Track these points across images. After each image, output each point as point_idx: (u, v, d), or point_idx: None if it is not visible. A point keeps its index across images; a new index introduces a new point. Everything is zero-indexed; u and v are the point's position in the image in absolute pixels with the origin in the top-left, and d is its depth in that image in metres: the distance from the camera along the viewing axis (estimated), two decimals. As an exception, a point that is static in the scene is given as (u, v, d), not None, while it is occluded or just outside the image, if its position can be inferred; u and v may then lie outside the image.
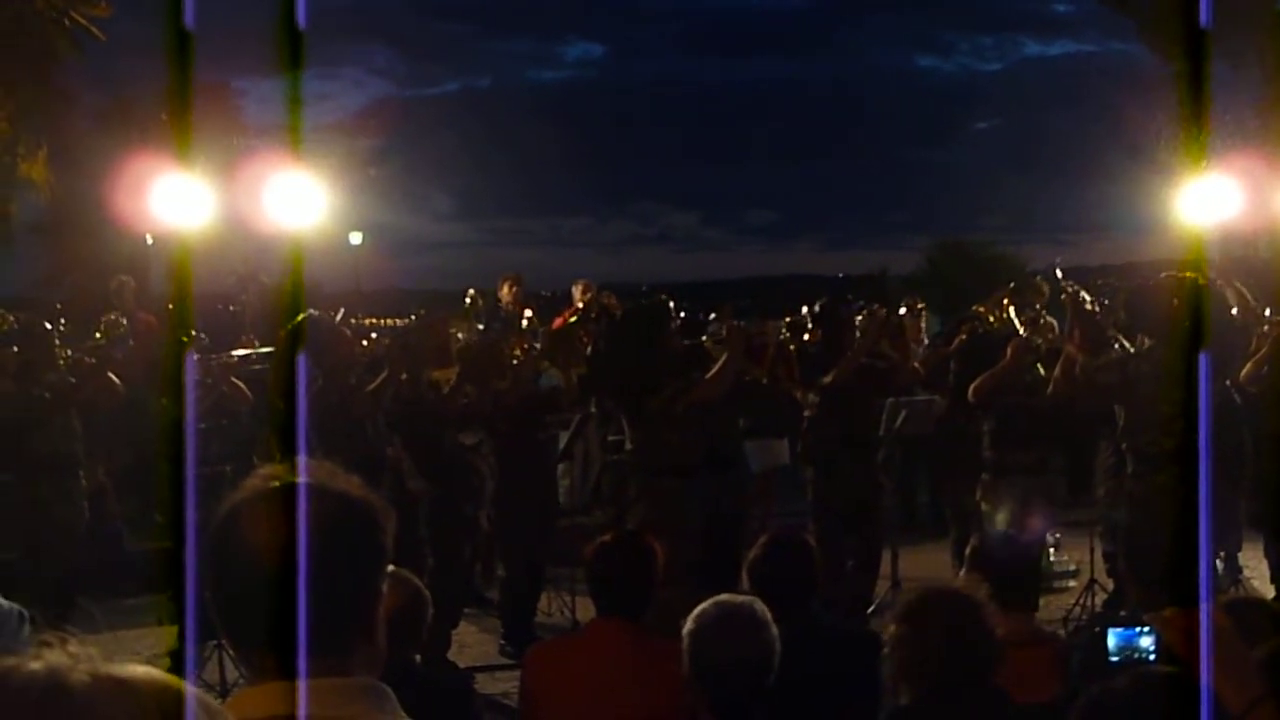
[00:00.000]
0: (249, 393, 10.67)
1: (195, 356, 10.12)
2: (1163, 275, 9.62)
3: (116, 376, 11.28)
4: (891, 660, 4.63)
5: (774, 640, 4.77)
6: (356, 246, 38.44)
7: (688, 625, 4.86)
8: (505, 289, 15.23)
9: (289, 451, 2.31)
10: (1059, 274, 10.92)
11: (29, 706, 1.34)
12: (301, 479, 2.33)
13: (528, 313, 14.73)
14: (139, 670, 1.37)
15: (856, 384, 11.03)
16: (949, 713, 4.42)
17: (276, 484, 2.33)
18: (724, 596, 5.02)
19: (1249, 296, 11.67)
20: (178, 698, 1.38)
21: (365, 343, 12.50)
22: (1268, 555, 11.59)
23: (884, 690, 6.26)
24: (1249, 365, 11.20)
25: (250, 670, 2.36)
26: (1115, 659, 4.66)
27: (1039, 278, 14.92)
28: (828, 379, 11.04)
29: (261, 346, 12.66)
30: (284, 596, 2.22)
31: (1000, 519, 10.39)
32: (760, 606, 4.89)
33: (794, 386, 11.51)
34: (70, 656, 1.38)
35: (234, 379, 10.63)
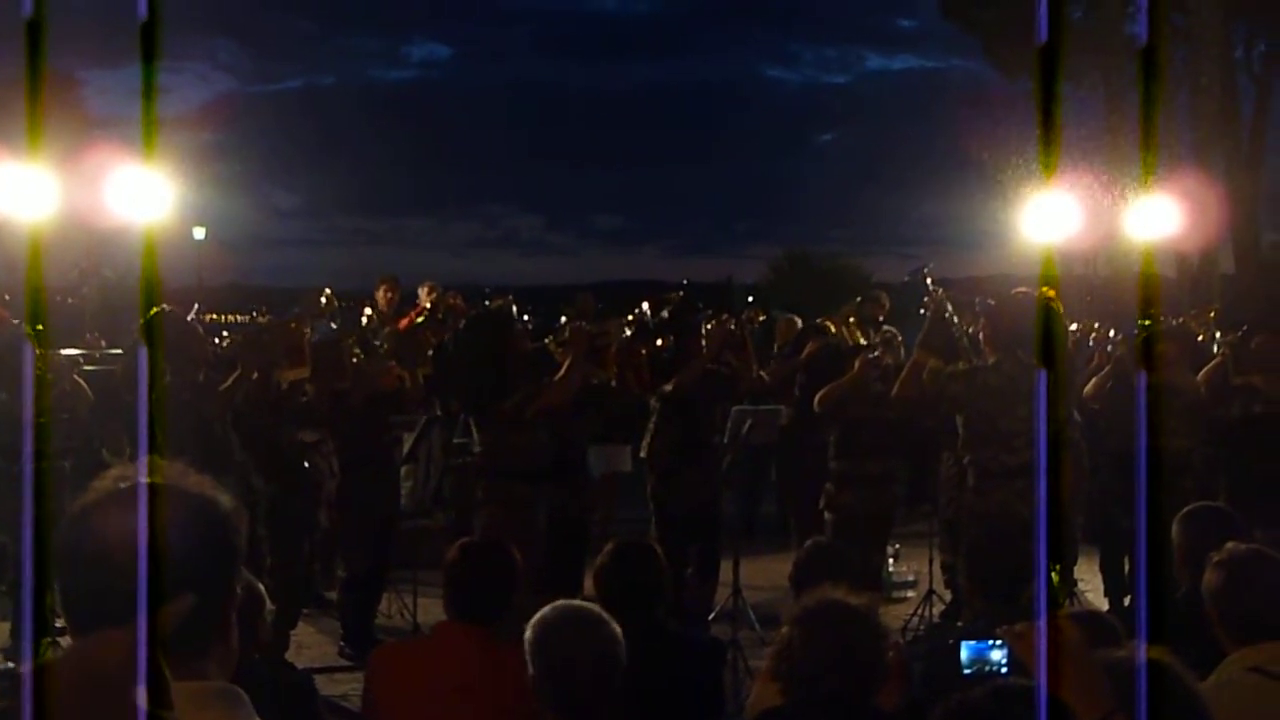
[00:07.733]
0: (89, 389, 10.46)
1: (36, 351, 9.91)
2: (1017, 291, 9.75)
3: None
4: (776, 661, 4.58)
5: (615, 638, 4.76)
6: (200, 242, 38.15)
7: (529, 629, 4.84)
8: (381, 291, 15.06)
9: (138, 448, 2.27)
10: (929, 281, 10.98)
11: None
12: (154, 479, 2.29)
13: (367, 311, 14.59)
14: None
15: (699, 391, 11.07)
16: None
17: (127, 484, 2.29)
18: (563, 601, 5.01)
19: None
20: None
21: (217, 340, 12.31)
22: (1102, 570, 11.82)
23: (726, 696, 6.32)
24: (1091, 383, 11.46)
25: None
26: (968, 671, 4.69)
27: (881, 291, 15.05)
28: (669, 386, 11.08)
29: (104, 340, 12.45)
30: (136, 598, 2.18)
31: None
32: (598, 610, 4.90)
33: (643, 392, 11.52)
34: None
35: (74, 375, 10.41)
